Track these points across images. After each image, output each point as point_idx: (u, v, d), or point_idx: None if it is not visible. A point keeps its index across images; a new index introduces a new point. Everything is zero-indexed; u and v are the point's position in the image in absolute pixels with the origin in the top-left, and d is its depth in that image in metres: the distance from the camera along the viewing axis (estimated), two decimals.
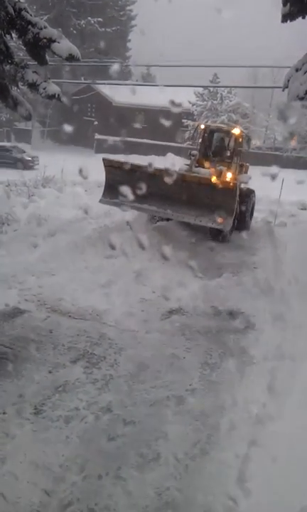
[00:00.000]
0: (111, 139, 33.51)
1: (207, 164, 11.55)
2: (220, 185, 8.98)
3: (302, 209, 16.45)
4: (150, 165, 8.09)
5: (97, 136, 34.93)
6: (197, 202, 8.99)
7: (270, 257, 9.87)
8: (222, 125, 13.43)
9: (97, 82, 33.17)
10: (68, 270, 7.35)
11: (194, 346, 5.54)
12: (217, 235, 10.12)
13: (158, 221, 10.60)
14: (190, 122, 33.14)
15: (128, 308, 6.37)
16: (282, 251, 10.01)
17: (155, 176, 7.70)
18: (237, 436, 3.87)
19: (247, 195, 12.16)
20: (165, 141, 31.96)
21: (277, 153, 32.79)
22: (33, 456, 3.46)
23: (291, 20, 7.42)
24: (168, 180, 7.15)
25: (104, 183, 10.41)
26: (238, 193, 9.31)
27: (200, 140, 12.43)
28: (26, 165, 25.61)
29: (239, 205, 9.93)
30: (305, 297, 6.89)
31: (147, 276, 7.54)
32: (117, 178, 9.38)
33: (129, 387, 4.47)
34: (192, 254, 9.31)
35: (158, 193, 8.49)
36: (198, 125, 13.12)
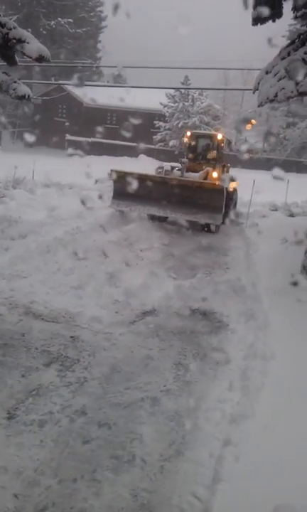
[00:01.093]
0: (82, 140, 33.35)
1: (195, 167, 13.06)
2: (209, 187, 10.52)
3: (273, 210, 16.67)
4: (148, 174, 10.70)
5: (68, 137, 34.72)
6: (191, 202, 10.24)
7: (242, 258, 10.00)
8: (207, 131, 14.79)
9: (68, 83, 32.95)
10: (40, 272, 7.27)
11: (168, 347, 5.55)
12: (209, 227, 11.43)
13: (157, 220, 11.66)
14: (161, 123, 33.26)
15: (102, 310, 6.35)
16: (253, 251, 10.15)
17: (155, 183, 10.18)
18: (211, 435, 3.89)
19: (230, 193, 13.58)
20: (136, 142, 31.94)
21: (248, 154, 33.07)
22: (6, 460, 3.40)
23: (261, 24, 7.51)
24: (166, 185, 10.11)
25: (112, 191, 11.90)
26: (225, 192, 10.77)
27: (188, 145, 14.27)
28: None
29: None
30: (276, 296, 6.99)
31: (120, 277, 7.52)
32: (124, 186, 10.70)
33: (103, 390, 4.45)
34: (165, 255, 9.37)
35: (158, 196, 10.28)
36: (185, 132, 14.76)
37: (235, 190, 14.52)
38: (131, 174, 10.99)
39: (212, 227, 11.51)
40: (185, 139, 14.23)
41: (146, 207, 10.87)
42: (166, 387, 4.61)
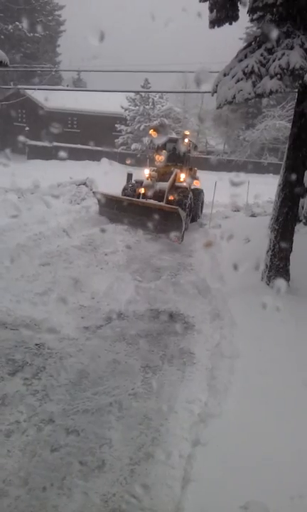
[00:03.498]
0: (43, 145, 33.03)
1: (165, 170, 13.97)
2: (168, 210, 11.26)
3: (235, 211, 16.88)
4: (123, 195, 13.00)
5: (29, 142, 34.31)
6: (156, 221, 10.92)
7: (206, 259, 10.09)
8: (173, 135, 15.20)
9: (26, 87, 32.63)
10: (3, 279, 7.14)
11: (135, 350, 5.55)
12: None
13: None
14: (123, 127, 33.25)
15: (67, 316, 6.29)
16: (217, 252, 10.25)
17: (127, 204, 11.78)
18: (180, 436, 3.92)
19: (197, 194, 15.03)
20: (98, 146, 31.84)
21: (209, 156, 33.45)
22: None
23: (218, 26, 7.60)
24: (132, 207, 11.66)
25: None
26: (185, 213, 11.67)
27: (156, 149, 15.12)
28: None
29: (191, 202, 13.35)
30: (240, 295, 7.08)
31: (85, 282, 7.47)
32: (104, 203, 12.60)
33: (71, 396, 4.41)
34: (130, 258, 9.36)
35: (131, 213, 11.68)
36: (149, 140, 15.83)
37: (201, 191, 15.50)
38: (111, 197, 12.59)
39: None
40: (152, 135, 15.16)
41: (123, 217, 11.90)
42: (134, 391, 4.61)
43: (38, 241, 8.99)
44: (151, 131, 15.31)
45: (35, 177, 14.95)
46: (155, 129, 15.49)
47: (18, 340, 5.43)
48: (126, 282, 7.78)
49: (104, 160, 30.19)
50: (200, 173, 16.45)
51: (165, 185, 13.04)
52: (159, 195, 12.71)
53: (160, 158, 14.52)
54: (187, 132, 16.16)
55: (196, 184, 15.16)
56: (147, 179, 13.57)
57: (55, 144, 32.65)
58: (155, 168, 14.07)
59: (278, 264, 7.61)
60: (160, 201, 12.35)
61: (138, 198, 12.80)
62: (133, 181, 14.20)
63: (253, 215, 15.38)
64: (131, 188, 13.57)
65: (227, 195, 15.68)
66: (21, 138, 34.01)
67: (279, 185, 7.81)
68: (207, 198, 15.61)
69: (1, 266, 7.54)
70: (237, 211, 16.83)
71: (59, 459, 3.56)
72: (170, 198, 12.79)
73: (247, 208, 16.67)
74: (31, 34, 40.65)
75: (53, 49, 46.40)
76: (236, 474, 3.38)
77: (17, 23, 39.22)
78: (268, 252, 7.76)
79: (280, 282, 7.26)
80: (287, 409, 4.22)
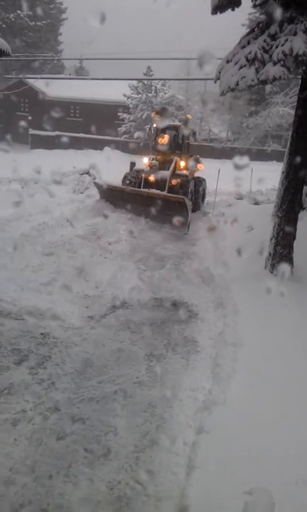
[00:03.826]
0: (46, 134, 32.93)
1: (165, 158, 13.71)
2: (173, 200, 11.06)
3: (238, 199, 16.82)
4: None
5: (32, 131, 34.21)
6: (160, 211, 10.85)
7: (210, 247, 10.09)
8: (173, 123, 14.97)
9: (29, 76, 32.45)
10: (7, 270, 7.17)
11: (139, 339, 5.58)
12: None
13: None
14: (125, 115, 33.08)
15: (72, 306, 6.32)
16: (221, 240, 10.24)
17: (128, 194, 11.82)
18: (184, 424, 3.95)
19: (199, 182, 14.92)
20: (101, 135, 31.72)
21: (212, 144, 33.26)
22: None
23: (220, 12, 7.51)
24: (135, 197, 11.64)
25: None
26: (190, 203, 11.32)
27: (154, 137, 14.76)
28: None
29: (193, 189, 13.40)
30: (244, 283, 7.09)
31: (89, 271, 7.50)
32: (106, 194, 12.56)
33: (76, 385, 4.45)
34: (133, 247, 9.37)
35: (133, 203, 11.61)
36: (152, 124, 14.92)
37: (203, 179, 15.39)
38: (112, 187, 12.40)
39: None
40: (153, 131, 14.83)
41: (127, 206, 11.90)
42: (139, 379, 4.64)
43: (42, 231, 9.00)
44: (154, 114, 15.20)
45: (38, 166, 14.94)
46: (158, 113, 15.35)
47: (23, 329, 5.47)
48: (130, 271, 7.80)
49: (107, 149, 30.07)
50: (205, 162, 16.33)
51: (166, 173, 12.93)
52: (160, 184, 12.60)
53: (164, 140, 14.26)
54: (189, 116, 16.06)
55: (200, 168, 14.97)
56: (147, 167, 13.46)
57: (58, 133, 32.56)
58: (155, 157, 13.93)
59: (282, 252, 7.59)
60: (161, 190, 12.23)
61: (140, 187, 12.76)
62: (133, 170, 14.11)
63: (256, 203, 15.32)
64: (132, 177, 13.45)
65: (231, 183, 15.62)
66: (24, 127, 33.91)
67: (283, 172, 7.76)
68: (211, 186, 15.54)
69: (5, 256, 7.56)
70: (241, 199, 16.76)
71: (65, 447, 3.60)
72: (174, 182, 12.68)
73: (251, 195, 16.59)
74: (33, 23, 40.34)
75: (55, 37, 46.02)
76: (240, 461, 3.41)
77: (18, 11, 38.89)
78: (271, 239, 7.74)
79: (283, 267, 7.26)
80: (291, 397, 4.24)
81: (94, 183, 13.20)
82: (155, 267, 8.31)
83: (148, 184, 12.92)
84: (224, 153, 29.79)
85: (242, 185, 17.03)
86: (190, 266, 8.47)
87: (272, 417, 3.92)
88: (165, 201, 11.10)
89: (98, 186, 12.68)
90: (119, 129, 33.31)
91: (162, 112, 15.69)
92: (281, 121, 30.75)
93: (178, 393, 4.43)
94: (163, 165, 13.42)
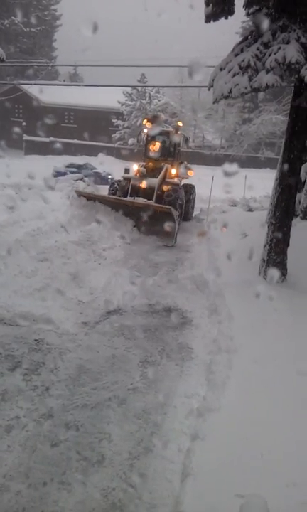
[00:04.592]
0: (40, 140, 32.96)
1: (155, 165, 13.24)
2: (160, 210, 10.68)
3: (232, 205, 16.90)
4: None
5: (26, 137, 34.24)
6: (146, 221, 10.49)
7: (204, 253, 10.11)
8: (164, 128, 14.62)
9: (23, 82, 32.49)
10: (1, 275, 7.14)
11: (134, 345, 5.57)
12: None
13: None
14: (119, 122, 33.19)
15: (66, 312, 6.30)
16: (215, 247, 10.27)
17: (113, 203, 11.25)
18: (179, 431, 3.94)
19: (189, 190, 14.38)
20: (95, 141, 31.80)
21: (204, 151, 33.42)
22: None
23: (214, 21, 7.58)
24: (120, 206, 11.03)
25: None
26: (177, 213, 11.02)
27: (145, 143, 14.31)
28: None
29: (183, 199, 12.71)
30: (238, 290, 7.10)
31: (84, 277, 7.49)
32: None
33: (70, 391, 4.43)
34: (128, 254, 9.38)
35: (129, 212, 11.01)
36: (142, 130, 14.52)
37: (192, 187, 14.92)
38: (93, 196, 11.93)
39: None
40: (143, 136, 14.37)
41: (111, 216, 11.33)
42: (133, 386, 4.63)
43: (36, 236, 8.98)
44: (145, 122, 14.88)
45: (33, 172, 14.94)
46: (150, 120, 15.08)
47: (17, 335, 5.45)
48: (125, 277, 7.80)
49: (101, 155, 30.14)
50: (195, 169, 16.30)
51: (154, 181, 12.36)
52: (148, 192, 12.10)
53: (155, 147, 13.74)
54: (180, 123, 15.87)
55: (190, 174, 14.41)
56: (135, 175, 12.83)
57: (52, 139, 32.61)
58: (144, 164, 13.46)
59: (276, 259, 7.63)
60: (149, 199, 11.73)
61: (127, 195, 12.21)
62: (120, 177, 13.42)
63: (250, 210, 15.42)
64: (118, 185, 12.84)
65: (224, 190, 15.69)
66: (18, 133, 33.93)
67: (276, 179, 7.82)
68: (205, 193, 15.60)
69: None
70: (234, 206, 16.86)
71: (59, 453, 3.59)
72: (164, 189, 12.20)
73: (244, 202, 16.68)
74: (27, 29, 40.53)
75: (49, 44, 46.27)
76: (235, 467, 3.41)
77: (13, 17, 39.04)
78: (265, 246, 7.78)
79: (273, 272, 7.31)
80: (286, 402, 4.24)
81: (76, 191, 12.41)
82: (149, 273, 8.32)
83: (135, 192, 12.35)
84: (218, 160, 29.93)
85: (236, 192, 17.12)
86: (184, 272, 8.47)
87: (266, 423, 3.92)
88: (152, 211, 10.62)
89: (79, 195, 11.97)
90: (113, 135, 33.44)
91: (154, 120, 15.43)
92: (274, 128, 31.00)
93: (173, 400, 4.43)
94: (153, 172, 12.89)
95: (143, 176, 12.57)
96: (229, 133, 35.04)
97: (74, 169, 25.12)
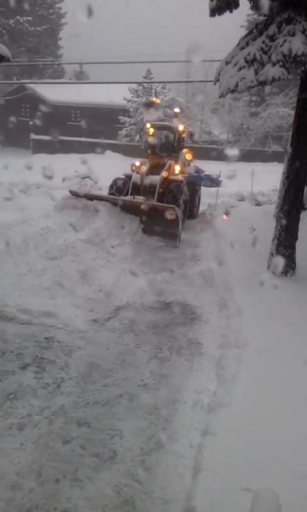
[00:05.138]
0: (47, 139, 33.01)
1: (157, 161, 12.42)
2: (162, 209, 10.08)
3: (240, 200, 16.83)
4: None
5: (33, 136, 34.31)
6: (148, 221, 10.16)
7: (212, 249, 10.09)
8: (167, 123, 14.02)
9: (29, 81, 32.56)
10: (11, 275, 7.18)
11: (143, 342, 5.58)
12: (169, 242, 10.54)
13: None
14: (126, 119, 33.15)
15: (76, 309, 6.33)
16: (223, 241, 10.24)
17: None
18: (190, 426, 3.95)
19: (194, 187, 13.67)
20: (102, 139, 31.77)
21: (213, 146, 33.30)
22: None
23: (219, 15, 7.54)
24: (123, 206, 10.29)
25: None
26: (180, 212, 10.45)
27: (147, 138, 13.34)
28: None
29: (187, 197, 12.18)
30: (246, 285, 7.09)
31: (92, 275, 7.50)
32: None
33: (81, 389, 4.46)
34: (136, 251, 9.37)
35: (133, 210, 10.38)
36: (144, 125, 13.67)
37: (198, 184, 14.40)
38: (90, 196, 11.20)
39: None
40: (147, 131, 13.49)
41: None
42: (144, 382, 4.65)
43: (45, 235, 9.01)
44: (150, 109, 14.14)
45: (40, 171, 14.96)
46: (147, 105, 14.23)
47: (27, 333, 5.49)
48: (134, 274, 7.81)
49: (108, 152, 30.13)
50: (203, 164, 16.21)
51: (156, 178, 11.57)
52: (150, 191, 11.40)
53: (152, 149, 13.03)
54: (177, 110, 15.08)
55: (189, 158, 13.48)
56: (135, 171, 12.03)
57: (59, 137, 32.64)
58: (145, 160, 12.57)
59: (284, 253, 7.60)
60: (151, 197, 11.09)
61: (127, 194, 11.57)
62: (122, 175, 12.50)
63: (258, 204, 15.35)
64: (119, 183, 12.11)
65: (232, 185, 15.66)
66: (26, 133, 34.03)
67: (283, 173, 7.78)
68: (212, 187, 15.54)
69: (8, 260, 7.58)
70: (242, 200, 16.78)
71: (71, 451, 3.61)
72: (172, 182, 11.54)
73: (252, 196, 16.62)
74: (32, 28, 40.53)
75: (55, 42, 46.24)
76: (246, 462, 3.41)
77: (18, 17, 39.08)
78: (273, 240, 7.75)
79: (278, 260, 7.29)
80: (296, 396, 4.24)
81: (70, 191, 11.54)
82: (158, 270, 8.32)
83: (136, 190, 11.65)
84: (225, 155, 29.79)
85: (243, 187, 17.06)
86: (193, 268, 8.47)
87: (277, 418, 3.92)
88: (154, 210, 10.13)
89: (74, 195, 11.16)
90: (119, 132, 33.38)
91: (150, 105, 14.72)
92: (282, 122, 30.79)
93: (183, 395, 4.44)
94: (155, 169, 12.06)
95: (143, 173, 11.80)
96: (236, 127, 34.87)
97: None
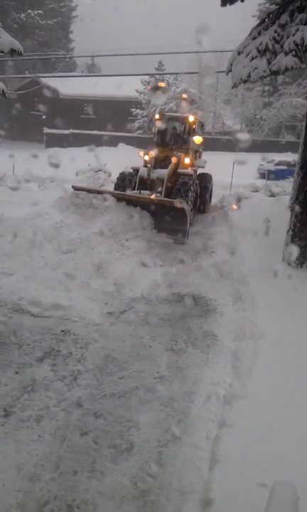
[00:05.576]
0: (60, 132, 33.06)
1: (166, 153, 11.82)
2: (170, 205, 9.66)
3: (254, 191, 16.73)
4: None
5: (46, 130, 34.38)
6: (155, 217, 9.83)
7: (227, 241, 10.06)
8: (176, 113, 13.58)
9: (41, 75, 32.56)
10: (27, 268, 7.24)
11: (159, 334, 5.60)
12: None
13: None
14: (138, 111, 33.05)
15: (91, 302, 6.36)
16: (238, 233, 10.20)
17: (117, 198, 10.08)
18: (206, 418, 3.96)
19: (205, 180, 13.27)
20: (114, 131, 31.73)
21: (226, 137, 33.07)
22: (6, 457, 3.43)
23: (230, 4, 7.48)
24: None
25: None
26: (190, 207, 10.09)
27: (156, 130, 12.93)
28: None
29: (197, 190, 11.75)
30: (261, 276, 7.06)
31: (107, 268, 7.53)
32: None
33: (98, 381, 4.48)
34: (150, 243, 9.37)
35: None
36: (153, 116, 13.23)
37: (209, 176, 13.88)
38: (93, 191, 10.88)
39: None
40: (156, 121, 13.02)
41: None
42: (160, 374, 4.66)
43: (60, 229, 9.05)
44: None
45: (54, 165, 14.97)
46: (154, 88, 13.72)
47: (44, 326, 5.53)
48: (148, 267, 7.82)
49: (121, 145, 30.09)
50: (215, 155, 16.02)
51: (164, 172, 11.06)
52: (157, 185, 10.96)
53: (161, 141, 12.52)
54: (185, 95, 14.62)
55: (198, 142, 12.57)
56: (147, 164, 11.35)
57: (72, 131, 32.67)
58: (152, 153, 11.74)
59: (299, 243, 7.54)
60: (158, 192, 10.69)
61: (134, 189, 11.07)
62: (129, 169, 12.07)
63: (272, 195, 15.23)
64: (125, 177, 11.76)
65: (246, 176, 15.56)
66: (38, 126, 34.11)
67: (298, 163, 7.70)
68: (226, 179, 15.45)
69: (24, 254, 7.64)
70: (256, 191, 16.68)
71: (88, 442, 3.64)
72: (175, 180, 11.03)
73: (266, 187, 16.50)
74: (44, 21, 40.53)
75: (66, 35, 46.23)
76: (263, 454, 3.41)
77: (29, 10, 39.09)
78: (288, 231, 7.70)
79: (292, 249, 7.24)
80: None
81: (72, 186, 11.21)
82: (172, 262, 8.32)
83: (143, 185, 11.05)
84: (238, 146, 29.55)
85: (258, 178, 16.94)
86: (208, 260, 8.46)
87: (294, 409, 3.91)
88: (161, 206, 9.79)
89: (77, 190, 10.83)
90: (132, 125, 33.30)
91: (157, 88, 14.18)
92: (295, 111, 30.40)
93: (199, 388, 4.44)
94: (164, 162, 11.48)
95: (149, 166, 11.14)
96: (249, 118, 34.58)
97: (283, 167, 23.76)
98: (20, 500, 3.10)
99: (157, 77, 32.15)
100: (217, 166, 15.20)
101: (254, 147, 29.55)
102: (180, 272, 7.65)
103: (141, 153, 11.97)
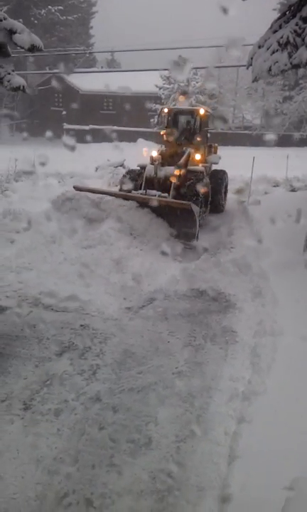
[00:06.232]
0: (80, 128, 33.18)
1: (175, 150, 11.23)
2: (177, 206, 9.01)
3: (274, 186, 16.54)
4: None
5: (66, 125, 34.54)
6: (168, 216, 9.11)
7: (246, 236, 9.97)
8: (186, 107, 13.02)
9: (62, 72, 32.69)
10: (47, 263, 7.30)
11: (177, 329, 5.59)
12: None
13: None
14: (158, 106, 32.95)
15: (110, 297, 6.39)
16: (258, 229, 10.11)
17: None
18: (225, 414, 3.94)
19: (219, 177, 12.39)
20: (134, 127, 31.72)
21: (246, 132, 32.81)
22: (25, 451, 3.47)
23: None
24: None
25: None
26: (198, 209, 9.33)
27: (166, 124, 12.24)
28: None
29: (211, 187, 11.04)
30: (281, 272, 6.99)
31: (126, 263, 7.54)
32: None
33: (116, 375, 4.50)
34: (169, 239, 9.34)
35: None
36: (162, 109, 12.52)
37: (224, 173, 12.98)
38: (93, 191, 10.01)
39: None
40: (163, 117, 12.21)
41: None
42: (178, 369, 4.66)
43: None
44: (180, 97, 13.10)
45: (73, 161, 15.06)
46: (184, 94, 12.96)
47: (63, 321, 5.57)
48: (167, 262, 7.82)
49: (141, 140, 30.06)
50: (235, 150, 15.86)
51: (172, 170, 10.13)
52: (165, 184, 10.05)
53: (170, 136, 11.53)
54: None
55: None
56: (154, 161, 10.38)
57: (92, 126, 32.76)
58: (161, 149, 11.25)
59: None
60: (166, 191, 9.81)
61: (140, 188, 10.20)
62: (136, 167, 11.22)
63: (293, 190, 15.04)
64: (130, 175, 10.91)
65: (266, 170, 15.39)
66: (58, 122, 34.28)
67: None
68: (246, 174, 15.29)
69: (44, 250, 7.70)
70: (277, 186, 16.48)
71: (107, 436, 3.65)
72: (186, 174, 10.17)
73: (287, 182, 16.30)
74: (64, 17, 40.63)
75: (86, 31, 46.30)
76: (282, 451, 3.39)
77: (50, 6, 39.25)
78: None
79: None
80: None
81: (74, 186, 10.51)
82: (191, 258, 8.28)
83: (150, 183, 10.18)
84: (260, 140, 29.31)
85: (278, 172, 16.76)
86: (227, 256, 8.40)
87: None
88: (168, 207, 9.05)
89: (78, 190, 10.07)
90: (151, 120, 33.23)
91: (186, 94, 13.44)
92: None
93: (218, 383, 4.43)
94: (172, 159, 10.66)
95: (156, 163, 10.23)
96: (270, 112, 34.25)
97: None
98: (39, 492, 3.13)
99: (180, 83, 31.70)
100: (236, 161, 15.06)
101: (275, 141, 29.28)
102: (198, 268, 7.61)
103: (145, 152, 11.36)
